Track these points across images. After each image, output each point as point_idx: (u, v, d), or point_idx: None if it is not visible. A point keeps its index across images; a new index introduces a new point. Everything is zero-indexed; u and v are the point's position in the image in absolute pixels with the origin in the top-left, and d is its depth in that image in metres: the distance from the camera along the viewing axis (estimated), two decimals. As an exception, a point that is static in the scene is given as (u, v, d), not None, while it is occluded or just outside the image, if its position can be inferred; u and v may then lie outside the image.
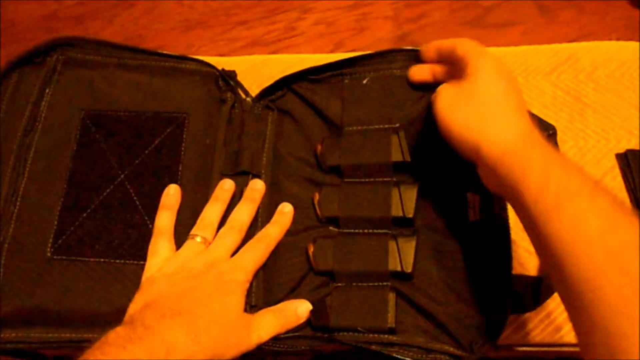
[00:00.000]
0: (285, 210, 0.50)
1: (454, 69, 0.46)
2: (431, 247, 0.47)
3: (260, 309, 0.46)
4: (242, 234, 0.49)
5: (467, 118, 0.41)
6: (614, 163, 0.52)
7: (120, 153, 0.52)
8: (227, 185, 0.51)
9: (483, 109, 0.41)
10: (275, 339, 0.44)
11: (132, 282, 0.47)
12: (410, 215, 0.47)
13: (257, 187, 0.51)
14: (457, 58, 0.45)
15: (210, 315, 0.41)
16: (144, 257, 0.48)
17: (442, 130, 0.43)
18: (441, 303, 0.45)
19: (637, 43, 0.58)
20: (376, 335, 0.44)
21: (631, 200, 0.50)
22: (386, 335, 0.44)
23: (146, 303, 0.43)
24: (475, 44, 0.45)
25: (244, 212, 0.49)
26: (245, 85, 0.56)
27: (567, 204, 0.34)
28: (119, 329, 0.39)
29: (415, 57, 0.52)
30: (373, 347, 0.44)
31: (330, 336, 0.45)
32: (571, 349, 0.48)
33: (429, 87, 0.49)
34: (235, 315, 0.43)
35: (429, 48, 0.50)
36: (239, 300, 0.44)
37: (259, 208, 0.50)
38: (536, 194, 0.35)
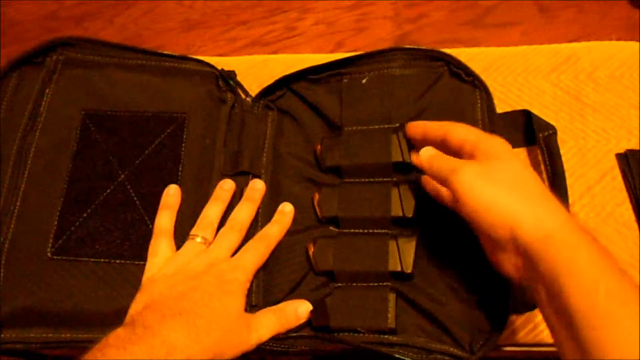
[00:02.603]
0: (286, 210, 0.50)
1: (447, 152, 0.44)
2: (431, 247, 0.47)
3: (260, 309, 0.46)
4: (242, 234, 0.49)
5: (500, 197, 0.38)
6: (614, 163, 0.52)
7: (120, 153, 0.52)
8: (227, 185, 0.51)
9: (519, 190, 0.38)
10: (275, 339, 0.44)
11: (132, 283, 0.47)
12: (410, 215, 0.47)
13: (257, 187, 0.51)
14: (454, 144, 0.43)
15: (210, 315, 0.41)
16: (144, 258, 0.48)
17: (467, 208, 0.39)
18: (441, 303, 0.45)
19: (637, 43, 0.58)
20: (376, 336, 0.44)
21: (631, 200, 0.50)
22: (386, 336, 0.44)
23: (147, 304, 0.43)
24: (471, 128, 0.43)
25: (244, 212, 0.49)
26: (245, 85, 0.56)
27: (621, 311, 0.32)
28: (120, 330, 0.39)
29: (414, 56, 0.52)
30: (373, 347, 0.44)
31: (331, 336, 0.45)
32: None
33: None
34: (235, 315, 0.43)
35: (416, 130, 0.48)
36: (239, 300, 0.44)
37: (259, 208, 0.50)
38: (585, 294, 0.33)
